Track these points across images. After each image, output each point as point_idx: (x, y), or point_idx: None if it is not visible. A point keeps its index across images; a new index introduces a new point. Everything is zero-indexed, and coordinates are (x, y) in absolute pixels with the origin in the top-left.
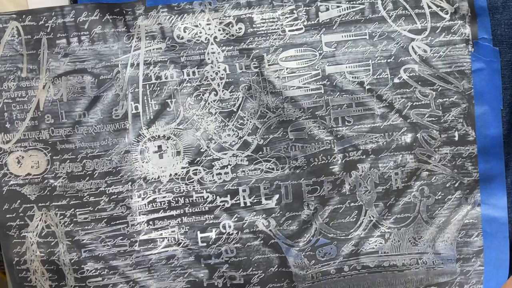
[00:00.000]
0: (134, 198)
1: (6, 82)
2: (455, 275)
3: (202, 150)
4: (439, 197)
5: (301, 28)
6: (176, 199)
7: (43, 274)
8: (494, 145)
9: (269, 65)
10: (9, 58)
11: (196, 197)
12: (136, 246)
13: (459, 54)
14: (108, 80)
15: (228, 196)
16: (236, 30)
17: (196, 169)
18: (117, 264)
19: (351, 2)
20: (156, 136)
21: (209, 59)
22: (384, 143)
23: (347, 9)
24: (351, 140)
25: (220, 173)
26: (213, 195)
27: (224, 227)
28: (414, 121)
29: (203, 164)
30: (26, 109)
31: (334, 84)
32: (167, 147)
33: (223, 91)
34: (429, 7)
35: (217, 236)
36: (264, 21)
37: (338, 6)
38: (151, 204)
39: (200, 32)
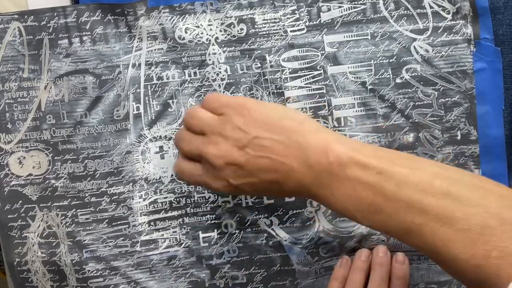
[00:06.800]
0: (136, 199)
1: (8, 83)
2: None
3: None
4: None
5: (303, 29)
6: (178, 199)
7: (45, 275)
8: (496, 145)
9: (271, 65)
10: (10, 59)
11: (197, 197)
12: (137, 246)
13: (461, 54)
14: (110, 80)
15: (230, 196)
16: (238, 31)
17: None
18: (118, 264)
19: (353, 2)
20: (157, 136)
21: (210, 59)
22: (387, 142)
23: (349, 9)
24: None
25: None
26: (214, 196)
27: (226, 226)
28: (416, 120)
29: None
30: (28, 109)
31: (336, 84)
32: (169, 148)
33: (224, 92)
34: (431, 7)
35: (219, 235)
36: (266, 21)
37: (339, 7)
38: (152, 205)
39: (202, 33)
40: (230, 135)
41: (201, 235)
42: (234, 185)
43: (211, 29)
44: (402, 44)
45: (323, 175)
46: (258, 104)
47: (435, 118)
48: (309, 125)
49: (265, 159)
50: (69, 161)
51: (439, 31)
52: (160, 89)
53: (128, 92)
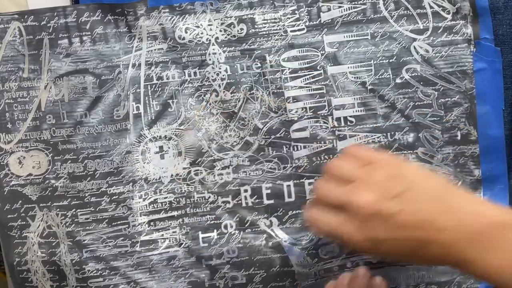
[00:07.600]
0: (135, 199)
1: (8, 83)
2: (456, 275)
3: (203, 150)
4: None
5: (303, 29)
6: (178, 199)
7: (44, 275)
8: (496, 145)
9: (271, 65)
10: (10, 59)
11: (197, 197)
12: (137, 246)
13: (461, 54)
14: (110, 80)
15: (230, 196)
16: (238, 30)
17: (198, 170)
18: (118, 264)
19: (353, 2)
20: (157, 136)
21: (210, 59)
22: (387, 142)
23: (349, 9)
24: (353, 140)
25: (221, 174)
26: (214, 196)
27: (225, 227)
28: (416, 121)
29: (204, 165)
30: (28, 109)
31: (336, 84)
32: (169, 148)
33: (224, 92)
34: (431, 7)
35: (218, 236)
36: (266, 21)
37: (339, 7)
38: (152, 205)
39: (202, 33)
40: (382, 183)
41: (201, 235)
42: (379, 239)
43: (211, 29)
44: (402, 44)
45: (479, 236)
46: (401, 161)
47: (435, 118)
48: (453, 187)
49: (418, 213)
50: (69, 161)
51: (439, 31)
52: (160, 89)
53: (128, 92)
